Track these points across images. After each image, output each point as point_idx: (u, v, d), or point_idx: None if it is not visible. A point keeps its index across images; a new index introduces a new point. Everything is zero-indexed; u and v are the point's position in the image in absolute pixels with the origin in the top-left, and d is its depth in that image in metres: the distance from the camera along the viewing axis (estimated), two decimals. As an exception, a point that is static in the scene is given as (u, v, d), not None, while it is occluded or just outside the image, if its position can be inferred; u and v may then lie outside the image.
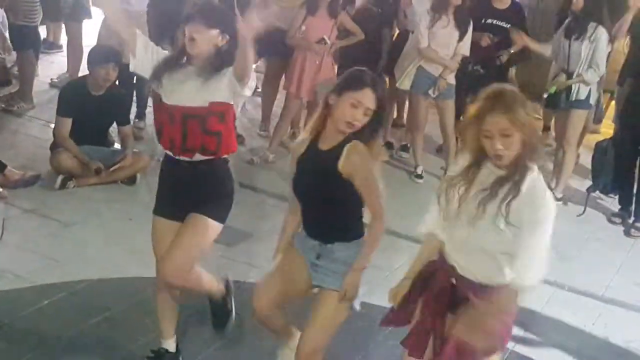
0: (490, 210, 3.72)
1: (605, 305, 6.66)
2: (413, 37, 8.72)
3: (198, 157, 4.59)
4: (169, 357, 4.93)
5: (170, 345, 4.94)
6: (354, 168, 4.09)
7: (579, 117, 8.51)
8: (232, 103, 4.60)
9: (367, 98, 4.10)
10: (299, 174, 4.31)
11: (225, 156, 4.72)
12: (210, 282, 5.04)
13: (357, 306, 4.34)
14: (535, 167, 3.78)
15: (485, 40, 8.71)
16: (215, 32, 4.54)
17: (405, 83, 8.64)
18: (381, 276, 5.58)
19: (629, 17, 8.76)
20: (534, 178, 3.76)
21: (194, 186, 4.67)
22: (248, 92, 4.62)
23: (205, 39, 4.52)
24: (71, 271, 5.91)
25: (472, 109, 3.81)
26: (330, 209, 4.28)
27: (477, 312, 3.87)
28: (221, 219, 4.77)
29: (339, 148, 4.12)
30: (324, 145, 4.20)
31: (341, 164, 4.09)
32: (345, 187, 4.13)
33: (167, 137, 4.61)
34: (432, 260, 4.09)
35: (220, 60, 4.54)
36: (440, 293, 4.02)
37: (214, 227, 4.72)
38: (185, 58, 4.63)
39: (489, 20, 8.80)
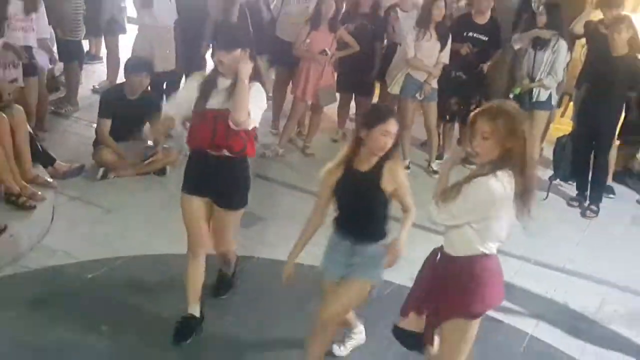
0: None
1: (565, 276, 6.71)
2: (401, 49, 8.74)
3: (225, 153, 4.78)
4: (194, 322, 5.05)
5: (195, 310, 5.05)
6: (397, 182, 4.39)
7: (540, 117, 8.56)
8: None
9: (392, 126, 4.32)
10: (341, 193, 4.47)
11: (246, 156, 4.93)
12: (235, 256, 5.44)
13: (374, 294, 4.58)
14: (499, 174, 3.79)
15: (465, 49, 8.73)
16: (237, 52, 4.71)
17: (395, 88, 8.66)
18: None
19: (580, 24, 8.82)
20: (491, 179, 3.80)
21: (220, 177, 4.87)
22: (252, 123, 4.73)
23: (231, 60, 4.69)
24: (111, 249, 5.96)
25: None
26: (367, 217, 4.47)
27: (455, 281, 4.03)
28: (242, 205, 5.11)
29: (378, 168, 4.36)
30: (362, 167, 4.40)
31: (384, 182, 4.35)
32: (381, 199, 4.40)
33: (200, 133, 4.79)
34: None
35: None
36: (428, 268, 4.26)
37: (238, 214, 5.13)
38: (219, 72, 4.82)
39: (470, 34, 8.81)
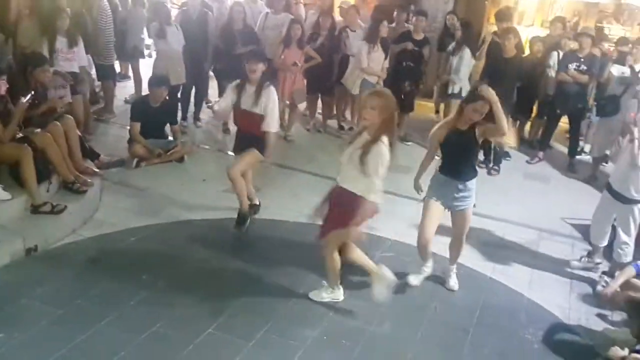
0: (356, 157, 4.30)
1: (477, 218, 6.56)
2: (355, 59, 8.70)
3: (253, 133, 5.63)
4: (255, 208, 6.12)
5: (255, 201, 6.14)
6: (486, 132, 4.78)
7: (455, 104, 8.51)
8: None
9: (480, 106, 4.67)
10: (448, 144, 4.86)
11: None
12: (245, 194, 5.86)
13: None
14: (385, 139, 4.24)
15: (410, 45, 8.82)
16: (262, 64, 5.60)
17: (355, 90, 8.68)
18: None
19: (484, 47, 8.84)
20: (380, 144, 4.24)
21: (250, 143, 5.71)
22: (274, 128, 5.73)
23: (259, 70, 5.55)
24: (147, 219, 5.89)
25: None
26: (467, 161, 4.90)
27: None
28: (262, 153, 5.73)
29: (472, 129, 4.77)
30: (463, 127, 4.80)
31: (478, 134, 4.76)
32: (476, 147, 4.86)
33: (240, 123, 5.83)
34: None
35: (264, 79, 5.62)
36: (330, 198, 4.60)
37: (258, 154, 5.75)
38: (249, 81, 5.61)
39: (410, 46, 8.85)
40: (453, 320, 4.83)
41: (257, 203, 6.20)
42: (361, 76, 8.59)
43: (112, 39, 8.67)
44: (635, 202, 5.50)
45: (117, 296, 4.63)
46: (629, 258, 5.58)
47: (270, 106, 5.55)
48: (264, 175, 7.31)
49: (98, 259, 5.15)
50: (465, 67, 8.64)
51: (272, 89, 5.60)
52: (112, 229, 5.67)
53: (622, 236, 5.59)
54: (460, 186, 4.87)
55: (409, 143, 9.10)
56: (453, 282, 5.25)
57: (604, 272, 5.67)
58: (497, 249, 6.10)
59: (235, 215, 5.84)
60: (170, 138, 7.70)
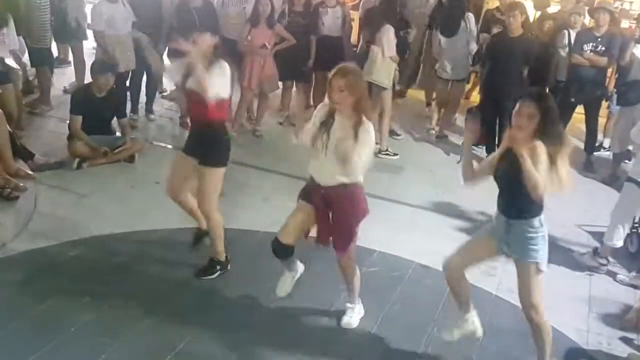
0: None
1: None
2: (378, 48, 8.34)
3: (205, 122, 5.13)
4: (203, 232, 5.60)
5: (203, 225, 5.54)
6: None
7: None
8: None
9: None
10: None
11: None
12: (220, 237, 5.35)
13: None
14: (364, 119, 4.25)
15: None
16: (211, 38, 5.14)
17: (390, 84, 8.57)
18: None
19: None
20: (367, 125, 4.27)
21: (202, 141, 5.21)
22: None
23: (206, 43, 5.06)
24: (89, 229, 5.84)
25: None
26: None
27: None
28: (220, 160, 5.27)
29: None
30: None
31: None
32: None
33: (190, 110, 5.41)
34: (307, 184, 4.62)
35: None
36: (318, 204, 4.52)
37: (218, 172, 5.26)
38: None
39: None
40: (454, 349, 4.76)
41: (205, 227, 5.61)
42: (393, 66, 8.44)
43: (49, 17, 8.56)
44: None
45: (56, 321, 4.58)
46: None
47: (217, 72, 5.04)
48: (229, 177, 7.28)
49: (31, 279, 5.09)
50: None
51: (224, 63, 5.16)
52: (48, 242, 5.61)
53: None
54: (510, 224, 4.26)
55: (400, 136, 9.10)
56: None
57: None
58: (503, 263, 6.06)
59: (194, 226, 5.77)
60: (118, 134, 7.66)
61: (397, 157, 8.50)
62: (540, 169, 3.88)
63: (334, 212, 4.51)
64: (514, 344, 4.83)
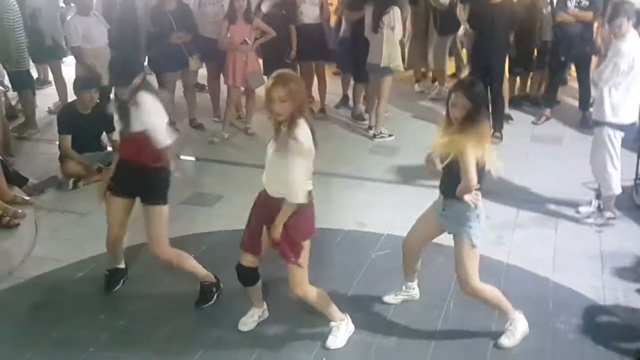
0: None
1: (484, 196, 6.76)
2: (388, 31, 8.37)
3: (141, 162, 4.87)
4: (121, 272, 5.34)
5: (121, 264, 5.36)
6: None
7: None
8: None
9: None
10: None
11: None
12: (194, 266, 5.12)
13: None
14: (302, 120, 4.17)
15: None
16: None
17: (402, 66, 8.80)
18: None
19: None
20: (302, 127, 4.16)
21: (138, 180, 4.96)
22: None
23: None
24: (94, 248, 5.80)
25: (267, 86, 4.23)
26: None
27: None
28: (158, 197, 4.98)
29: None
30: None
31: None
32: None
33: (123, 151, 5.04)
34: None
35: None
36: (260, 208, 4.49)
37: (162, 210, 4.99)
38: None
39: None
40: (471, 320, 4.86)
41: (124, 266, 5.44)
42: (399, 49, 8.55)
43: (24, 39, 8.58)
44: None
45: (74, 343, 4.63)
46: None
47: (151, 115, 4.74)
48: (224, 177, 7.34)
49: (41, 305, 5.13)
50: None
51: (144, 93, 4.78)
52: (55, 265, 5.65)
53: None
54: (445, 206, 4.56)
55: (386, 113, 9.11)
56: (504, 338, 4.68)
57: None
58: (511, 230, 6.19)
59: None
60: (110, 149, 7.62)
61: (392, 137, 8.56)
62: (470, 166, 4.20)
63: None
64: (528, 310, 4.84)
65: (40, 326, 4.84)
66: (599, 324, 4.91)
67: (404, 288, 5.11)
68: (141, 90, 4.77)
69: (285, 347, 4.63)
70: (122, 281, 5.35)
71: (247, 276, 4.62)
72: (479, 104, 4.31)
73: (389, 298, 5.10)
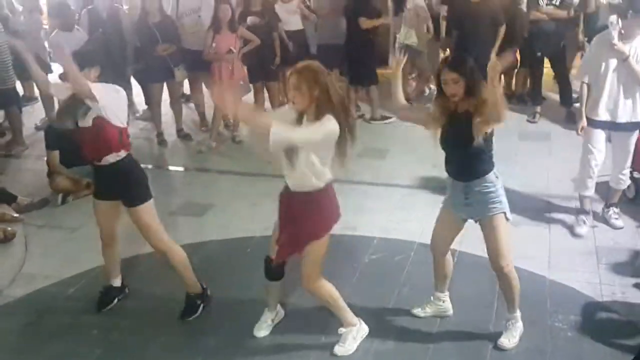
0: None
1: None
2: (414, 13, 9.23)
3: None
4: (115, 290, 5.18)
5: (117, 282, 5.18)
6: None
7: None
8: None
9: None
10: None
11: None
12: (185, 267, 4.97)
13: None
14: (330, 116, 3.94)
15: None
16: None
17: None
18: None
19: None
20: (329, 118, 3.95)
21: (115, 180, 4.83)
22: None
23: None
24: (85, 263, 5.74)
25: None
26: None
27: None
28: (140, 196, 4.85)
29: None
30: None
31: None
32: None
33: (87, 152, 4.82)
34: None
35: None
36: (282, 213, 4.32)
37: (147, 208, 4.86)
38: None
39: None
40: (468, 320, 4.78)
41: (120, 283, 5.27)
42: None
43: (9, 57, 8.42)
44: None
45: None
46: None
47: (106, 99, 4.50)
48: (213, 186, 7.25)
49: (35, 322, 5.03)
50: None
51: (99, 85, 4.55)
52: (45, 282, 5.54)
53: None
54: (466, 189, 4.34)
55: (392, 119, 9.04)
56: (504, 339, 4.56)
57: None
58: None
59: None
60: (98, 162, 7.55)
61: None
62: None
63: (298, 215, 4.23)
64: (525, 309, 4.69)
65: (32, 344, 4.75)
66: (598, 320, 4.82)
67: (432, 299, 4.83)
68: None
69: (286, 355, 4.53)
70: (115, 300, 5.20)
71: (274, 271, 4.48)
72: (473, 74, 4.10)
73: (418, 311, 4.85)
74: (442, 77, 4.13)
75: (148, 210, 4.80)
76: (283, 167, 4.18)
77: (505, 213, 4.27)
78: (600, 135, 5.85)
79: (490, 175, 4.25)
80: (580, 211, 6.11)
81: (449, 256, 4.70)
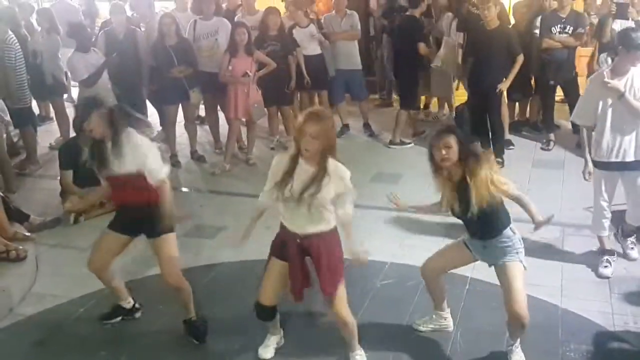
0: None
1: None
2: (448, 39, 9.53)
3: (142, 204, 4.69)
4: (122, 310, 5.22)
5: (125, 304, 5.21)
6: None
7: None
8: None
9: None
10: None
11: None
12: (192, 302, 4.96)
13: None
14: (330, 160, 4.09)
15: None
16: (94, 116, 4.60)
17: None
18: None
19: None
20: (336, 164, 4.12)
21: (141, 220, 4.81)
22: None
23: (95, 123, 4.61)
24: (95, 283, 5.60)
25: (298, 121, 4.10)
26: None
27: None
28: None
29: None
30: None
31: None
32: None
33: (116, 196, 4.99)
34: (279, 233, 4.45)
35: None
36: (294, 254, 4.29)
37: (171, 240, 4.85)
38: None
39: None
40: (480, 349, 4.73)
41: (130, 306, 5.28)
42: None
43: (25, 77, 8.51)
44: None
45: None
46: None
47: (141, 152, 4.56)
48: (226, 208, 7.24)
49: (44, 341, 5.02)
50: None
51: (131, 130, 4.63)
52: (55, 301, 5.54)
53: None
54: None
55: (410, 144, 9.10)
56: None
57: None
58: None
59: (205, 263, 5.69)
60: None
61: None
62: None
63: (316, 256, 4.25)
64: (538, 338, 4.74)
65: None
66: (609, 350, 4.76)
67: (434, 317, 4.95)
68: (125, 129, 4.57)
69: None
70: (119, 318, 5.20)
71: (267, 314, 4.50)
72: (463, 138, 4.25)
73: (420, 322, 4.98)
74: (433, 143, 4.29)
75: (172, 240, 4.75)
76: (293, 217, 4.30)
77: (521, 262, 4.35)
78: (608, 176, 5.69)
79: (507, 231, 4.34)
80: (602, 252, 5.89)
81: (439, 280, 4.81)
